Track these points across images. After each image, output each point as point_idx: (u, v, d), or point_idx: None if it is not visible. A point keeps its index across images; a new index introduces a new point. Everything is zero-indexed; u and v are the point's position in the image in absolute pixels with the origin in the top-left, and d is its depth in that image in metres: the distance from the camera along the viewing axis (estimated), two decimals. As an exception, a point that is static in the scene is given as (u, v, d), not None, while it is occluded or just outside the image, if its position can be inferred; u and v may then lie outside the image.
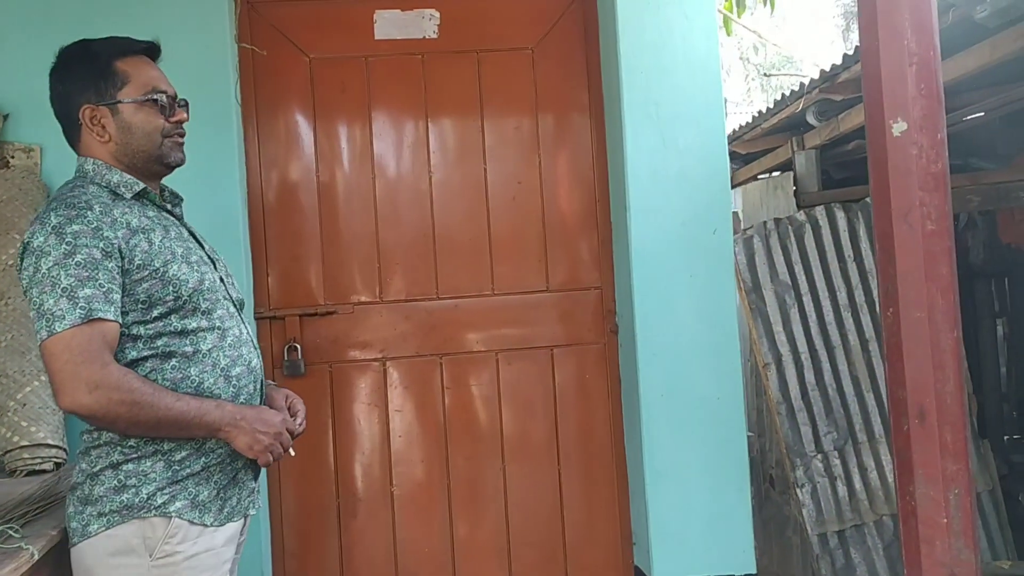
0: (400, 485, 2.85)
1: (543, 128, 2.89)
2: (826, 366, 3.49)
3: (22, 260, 1.60)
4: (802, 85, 3.56)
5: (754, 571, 2.72)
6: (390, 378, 2.85)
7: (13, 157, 2.55)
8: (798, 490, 3.40)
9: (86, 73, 1.72)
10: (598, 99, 2.88)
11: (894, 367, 1.29)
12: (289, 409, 1.83)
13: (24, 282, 1.59)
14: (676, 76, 2.69)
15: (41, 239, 1.57)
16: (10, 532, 1.60)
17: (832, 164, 4.19)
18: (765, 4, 4.46)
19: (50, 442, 2.20)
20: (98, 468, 1.62)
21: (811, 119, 3.51)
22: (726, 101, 2.81)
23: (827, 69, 3.19)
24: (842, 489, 3.42)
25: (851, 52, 2.91)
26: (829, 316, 3.54)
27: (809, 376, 3.47)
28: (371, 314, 2.84)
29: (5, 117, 2.57)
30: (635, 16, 2.67)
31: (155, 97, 1.72)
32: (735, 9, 4.67)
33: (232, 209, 2.65)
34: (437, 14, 2.85)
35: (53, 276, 1.54)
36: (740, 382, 2.73)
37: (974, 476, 3.44)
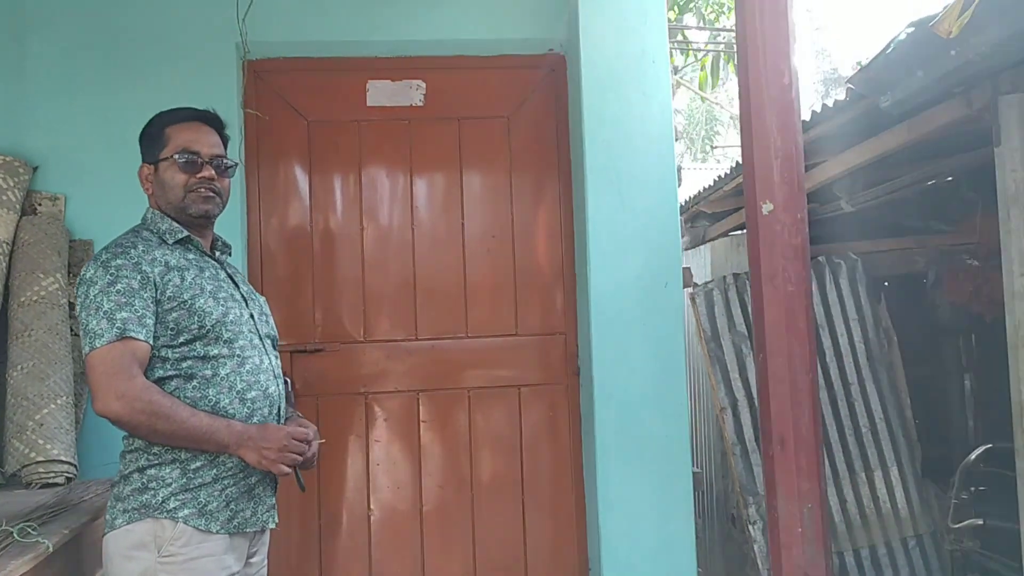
0: (377, 510, 3.12)
1: (516, 187, 3.20)
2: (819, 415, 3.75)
3: (77, 290, 1.90)
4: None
5: (697, 596, 2.96)
6: (371, 411, 3.13)
7: (40, 205, 2.87)
8: (750, 527, 3.64)
9: (146, 138, 2.07)
10: (566, 163, 3.19)
11: (763, 403, 1.57)
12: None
13: (77, 307, 1.89)
14: (634, 146, 2.99)
15: (91, 272, 1.88)
16: (29, 529, 1.87)
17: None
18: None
19: (63, 459, 2.47)
20: (128, 471, 1.88)
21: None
22: (680, 169, 3.12)
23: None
24: (791, 527, 3.66)
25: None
26: (783, 365, 3.80)
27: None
28: (356, 352, 3.13)
29: (35, 169, 2.89)
30: (598, 93, 2.99)
31: (180, 156, 2.00)
32: (708, 80, 5.01)
33: (235, 254, 2.95)
34: (423, 85, 3.18)
35: (97, 301, 1.83)
36: (686, 423, 2.99)
37: (917, 518, 3.69)
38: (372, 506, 3.12)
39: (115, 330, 1.81)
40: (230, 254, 2.18)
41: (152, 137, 2.05)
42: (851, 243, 4.05)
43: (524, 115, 3.21)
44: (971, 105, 2.29)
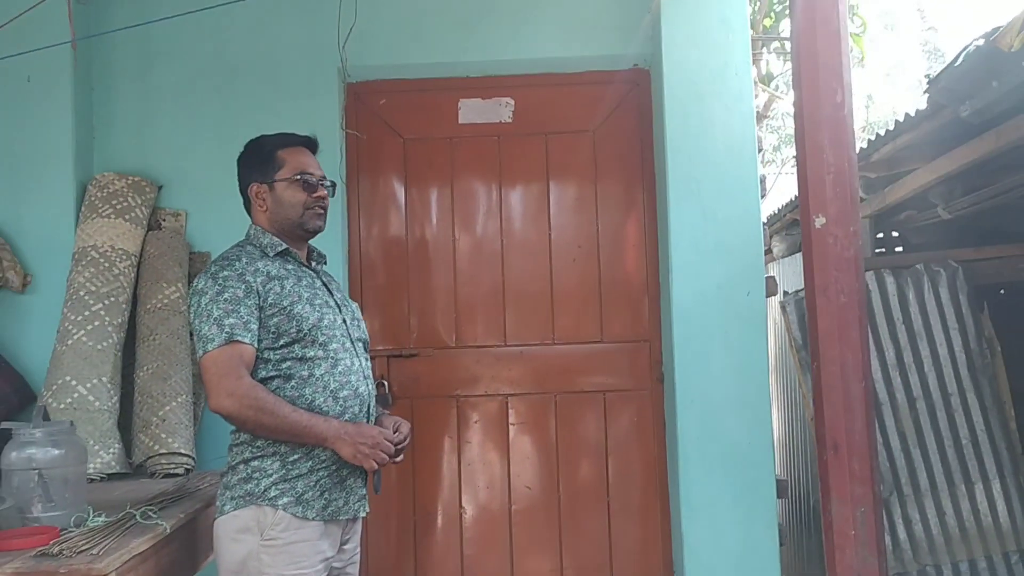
0: (468, 507, 3.27)
1: (601, 199, 3.30)
2: (873, 421, 3.71)
3: (189, 300, 2.12)
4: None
5: (780, 600, 2.98)
6: (463, 414, 3.29)
7: (165, 221, 3.16)
8: (842, 536, 3.60)
9: (256, 160, 2.26)
10: (650, 175, 3.27)
11: (817, 409, 1.63)
12: (396, 429, 2.21)
13: (190, 314, 2.10)
14: (716, 157, 3.05)
15: (202, 283, 2.09)
16: (150, 512, 2.09)
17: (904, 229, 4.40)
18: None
19: (183, 451, 2.73)
20: (235, 462, 2.09)
21: (860, 192, 3.78)
22: (763, 179, 3.14)
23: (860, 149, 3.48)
24: (887, 539, 3.61)
25: (882, 134, 3.21)
26: (877, 374, 3.75)
27: (855, 430, 3.69)
28: (448, 357, 3.30)
29: (159, 188, 3.18)
30: (680, 106, 3.07)
31: (301, 178, 2.21)
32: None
33: (336, 264, 3.16)
34: (512, 102, 3.32)
35: (208, 309, 2.04)
36: (769, 429, 3.02)
37: (1020, 532, 3.58)
38: (464, 504, 3.27)
39: (224, 335, 2.01)
40: (325, 263, 2.36)
41: (264, 159, 2.24)
42: (951, 251, 3.95)
43: (609, 129, 3.31)
44: (1056, 112, 2.26)
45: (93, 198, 3.02)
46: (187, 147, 3.20)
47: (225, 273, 2.08)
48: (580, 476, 3.26)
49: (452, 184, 3.33)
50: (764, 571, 2.98)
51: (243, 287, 2.06)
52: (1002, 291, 3.99)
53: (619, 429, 3.26)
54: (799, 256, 4.89)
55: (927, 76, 2.48)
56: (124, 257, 2.94)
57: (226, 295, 2.05)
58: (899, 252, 4.25)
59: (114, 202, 3.00)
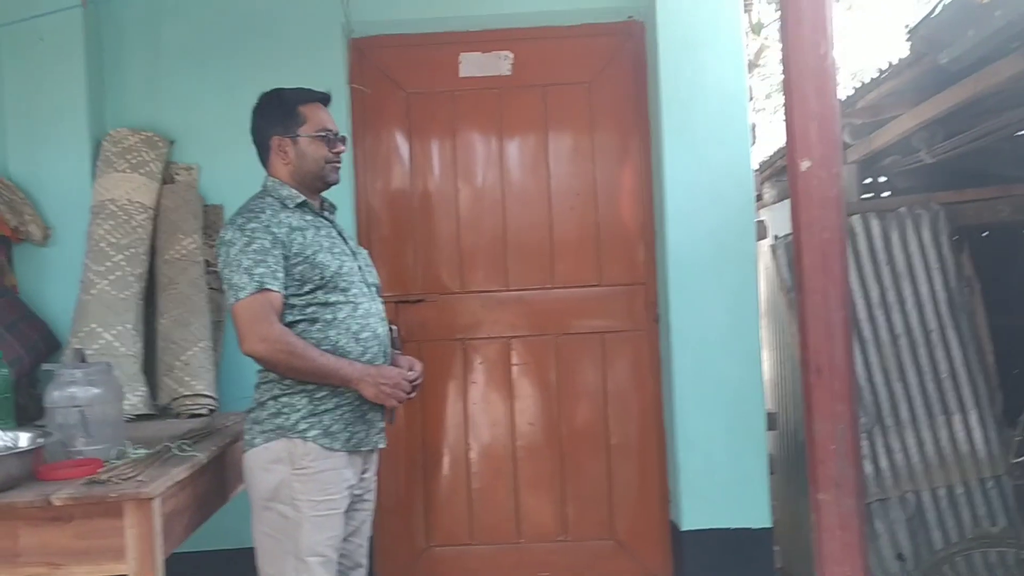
0: (475, 444, 3.45)
1: (598, 148, 3.43)
2: (857, 358, 3.88)
3: (218, 250, 2.21)
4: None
5: (769, 525, 3.18)
6: (468, 356, 3.45)
7: (178, 174, 3.27)
8: (828, 467, 3.81)
9: (278, 113, 2.33)
10: (645, 124, 3.40)
11: (802, 336, 1.78)
12: (410, 367, 2.35)
13: (220, 266, 2.20)
14: (708, 106, 3.18)
15: (230, 235, 2.19)
16: (185, 446, 2.25)
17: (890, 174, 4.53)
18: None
19: (206, 393, 2.89)
20: (264, 399, 2.22)
21: (846, 138, 3.91)
22: (754, 126, 3.27)
23: (842, 99, 3.60)
24: (869, 467, 3.81)
25: (867, 81, 3.33)
26: (862, 314, 3.92)
27: (841, 366, 3.88)
28: (453, 302, 3.45)
29: (172, 142, 3.28)
30: (673, 56, 3.19)
31: (324, 134, 2.32)
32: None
33: (344, 215, 3.26)
34: (511, 55, 3.43)
35: (237, 259, 2.15)
36: (760, 367, 3.20)
37: (996, 460, 3.79)
38: (470, 441, 3.45)
39: (254, 283, 2.13)
40: (334, 213, 2.48)
41: (286, 113, 2.32)
42: (935, 194, 4.09)
43: (605, 80, 3.42)
44: (1032, 58, 2.38)
45: (108, 153, 3.13)
46: (197, 102, 3.30)
47: (252, 225, 2.18)
48: (580, 413, 3.44)
49: (454, 136, 3.45)
50: (755, 499, 3.19)
51: (269, 238, 2.17)
52: (985, 233, 4.14)
53: (617, 369, 3.43)
54: (788, 202, 5.04)
55: (906, 26, 2.59)
56: (141, 210, 3.07)
57: (254, 246, 2.15)
58: (885, 196, 4.40)
59: (129, 157, 3.11)
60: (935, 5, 2.25)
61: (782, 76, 1.82)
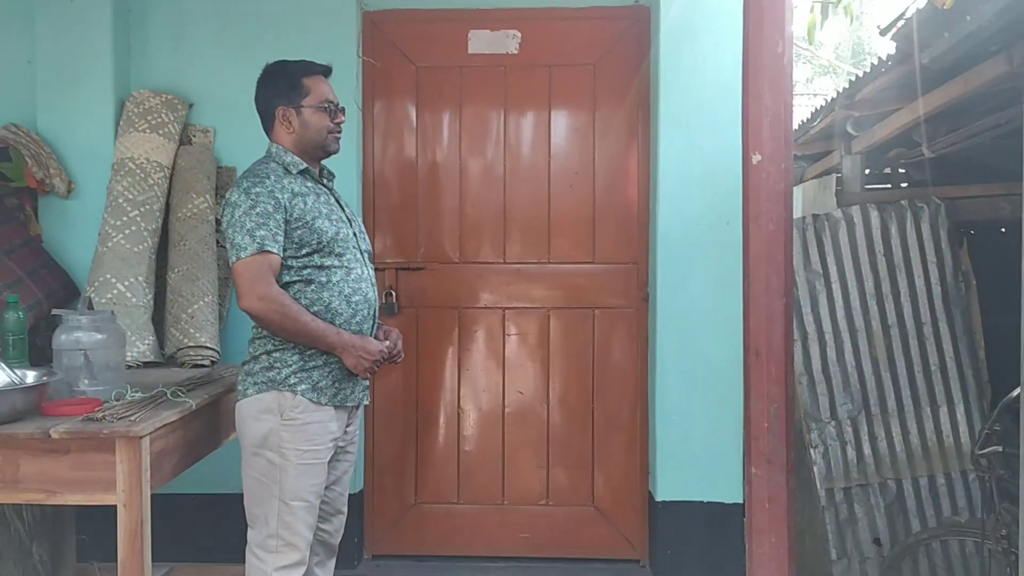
0: (466, 407, 3.60)
1: (599, 129, 3.53)
2: (847, 346, 3.96)
3: (223, 210, 2.34)
4: (828, 101, 4.00)
5: (741, 500, 3.30)
6: (464, 323, 3.60)
7: (195, 136, 3.43)
8: (811, 450, 3.91)
9: (283, 84, 2.45)
10: (645, 108, 3.48)
11: (745, 320, 1.89)
12: (387, 336, 2.51)
13: (223, 225, 2.34)
14: (705, 93, 3.26)
15: (236, 197, 2.33)
16: (179, 392, 2.42)
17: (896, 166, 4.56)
18: (845, 15, 4.85)
19: (209, 345, 3.06)
20: (258, 352, 2.38)
21: (849, 129, 3.96)
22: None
23: (841, 90, 3.65)
24: (852, 453, 3.90)
25: (860, 76, 3.38)
26: (855, 303, 3.99)
27: (831, 353, 3.95)
28: (452, 272, 3.58)
29: (190, 105, 3.44)
30: (674, 42, 3.26)
31: (326, 105, 2.45)
32: (818, 22, 5.07)
33: (350, 183, 3.43)
34: (519, 34, 3.53)
35: (241, 221, 2.28)
36: (741, 348, 3.29)
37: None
38: (462, 405, 3.60)
39: (256, 244, 2.26)
40: (333, 180, 2.62)
41: (292, 84, 2.45)
42: (937, 188, 4.13)
43: (609, 63, 3.51)
44: (1012, 61, 2.43)
45: (130, 113, 3.29)
46: (216, 68, 3.45)
47: (257, 189, 2.31)
48: (569, 384, 3.57)
49: (461, 111, 3.56)
50: (728, 474, 3.31)
51: (272, 202, 2.30)
52: (981, 230, 4.17)
53: (606, 343, 3.55)
54: (797, 189, 5.09)
55: (878, 26, 2.65)
56: (158, 169, 3.23)
57: (258, 209, 2.29)
58: (887, 188, 4.44)
59: (149, 118, 3.27)
60: (904, 10, 2.31)
61: (742, 74, 1.92)
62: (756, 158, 1.85)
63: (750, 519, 1.88)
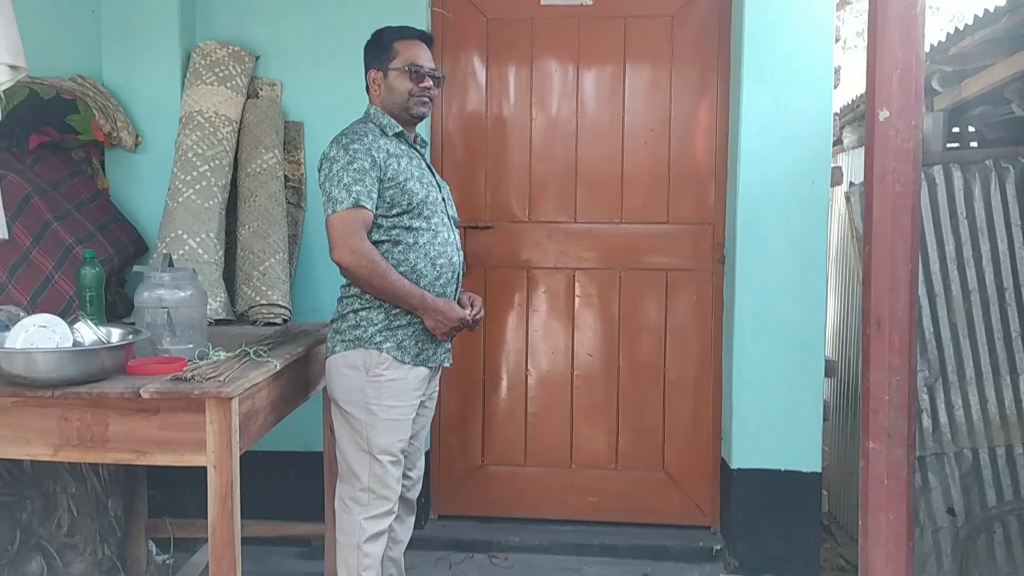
0: (534, 370, 3.54)
1: (676, 84, 3.40)
2: (926, 311, 3.83)
3: (321, 165, 2.39)
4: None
5: (819, 469, 3.22)
6: (532, 284, 3.52)
7: (261, 90, 3.36)
8: (884, 418, 3.81)
9: (376, 49, 2.52)
10: (725, 62, 3.34)
11: (866, 288, 1.79)
12: (472, 304, 2.53)
13: (320, 179, 2.38)
14: (791, 47, 3.11)
15: (335, 152, 2.36)
16: (261, 351, 2.38)
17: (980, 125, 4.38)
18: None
19: (281, 303, 3.02)
20: (345, 311, 2.43)
21: (935, 85, 3.78)
22: (838, 69, 3.19)
23: (935, 44, 3.47)
24: (927, 421, 3.80)
25: (961, 29, 3.21)
26: (935, 267, 3.85)
27: (908, 319, 3.84)
28: (521, 231, 3.50)
29: (257, 58, 3.36)
30: (760, -6, 3.12)
31: (410, 68, 2.45)
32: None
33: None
34: (594, -16, 3.39)
35: (339, 175, 2.32)
36: (823, 313, 3.19)
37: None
38: (530, 367, 3.54)
39: (351, 199, 2.30)
40: (427, 146, 2.60)
41: (382, 48, 2.49)
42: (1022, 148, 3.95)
43: (688, 14, 3.37)
44: None
45: (197, 66, 3.22)
46: (282, 19, 3.36)
47: (355, 146, 2.35)
48: (639, 347, 3.49)
49: (531, 64, 3.45)
50: (806, 442, 3.22)
51: (369, 160, 2.33)
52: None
53: (679, 306, 3.46)
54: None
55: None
56: (227, 123, 3.17)
57: (355, 165, 2.32)
58: (972, 147, 4.26)
59: (216, 70, 3.20)
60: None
61: (868, 22, 1.79)
62: (884, 114, 1.74)
63: (867, 496, 1.80)
